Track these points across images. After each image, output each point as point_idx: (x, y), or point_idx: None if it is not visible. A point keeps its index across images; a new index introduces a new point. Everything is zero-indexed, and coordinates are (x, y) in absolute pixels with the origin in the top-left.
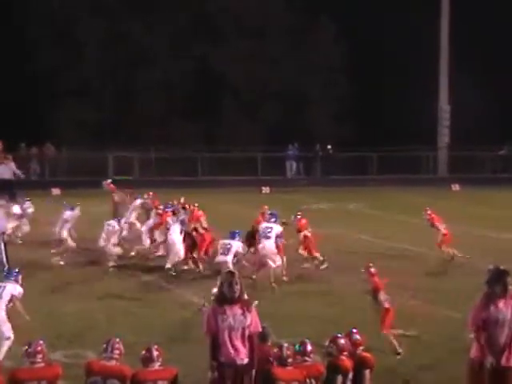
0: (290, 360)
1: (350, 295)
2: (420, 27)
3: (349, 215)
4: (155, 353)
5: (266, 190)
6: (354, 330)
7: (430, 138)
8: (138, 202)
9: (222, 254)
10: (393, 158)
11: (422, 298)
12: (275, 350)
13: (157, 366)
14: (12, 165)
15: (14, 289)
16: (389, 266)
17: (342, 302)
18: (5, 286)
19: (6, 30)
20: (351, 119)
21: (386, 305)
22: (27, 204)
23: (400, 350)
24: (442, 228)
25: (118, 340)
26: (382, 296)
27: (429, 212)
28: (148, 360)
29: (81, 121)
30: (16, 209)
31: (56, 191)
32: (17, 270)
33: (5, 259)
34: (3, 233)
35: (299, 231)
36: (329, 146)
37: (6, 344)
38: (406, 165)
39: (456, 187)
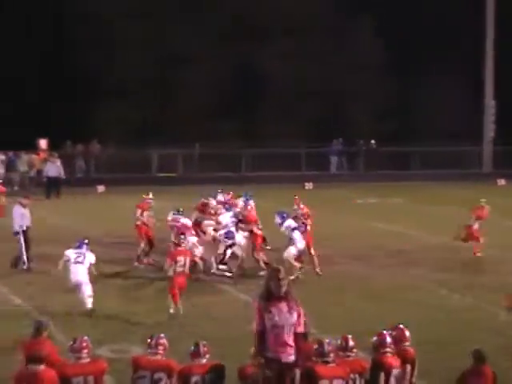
0: (331, 356)
1: (392, 290)
2: (462, 22)
3: (393, 210)
4: (203, 348)
5: (309, 185)
6: (401, 326)
7: (474, 133)
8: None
9: None
10: (436, 153)
11: None
12: (316, 347)
13: (204, 361)
14: (58, 163)
15: (91, 257)
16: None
17: (386, 297)
18: (84, 254)
19: (53, 31)
20: (394, 115)
21: None
22: None
23: None
24: (476, 224)
25: (162, 335)
26: None
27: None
28: (196, 355)
29: (125, 118)
30: None
31: (101, 188)
32: (86, 241)
33: (25, 256)
34: (24, 230)
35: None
36: (372, 141)
37: (90, 301)
38: (450, 160)
39: (502, 182)
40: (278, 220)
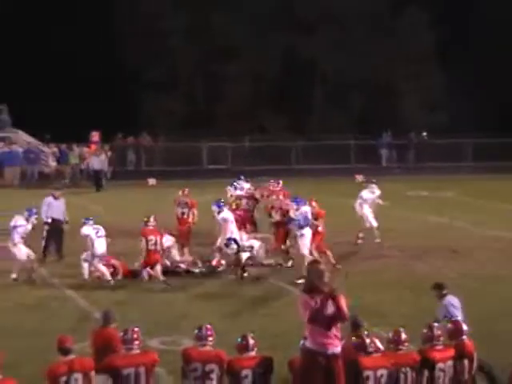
0: (372, 347)
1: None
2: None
3: (445, 203)
4: (251, 341)
5: (359, 178)
6: (458, 319)
7: None
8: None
9: None
10: (489, 145)
11: None
12: (356, 339)
13: (252, 354)
14: (103, 157)
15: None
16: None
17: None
18: (99, 228)
19: (104, 23)
20: (445, 106)
21: None
22: None
23: None
24: None
25: (210, 326)
26: None
27: None
28: (244, 348)
29: (175, 111)
30: None
31: (152, 181)
32: (91, 218)
33: (43, 246)
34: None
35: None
36: (424, 133)
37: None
38: (503, 152)
39: None
40: (215, 208)
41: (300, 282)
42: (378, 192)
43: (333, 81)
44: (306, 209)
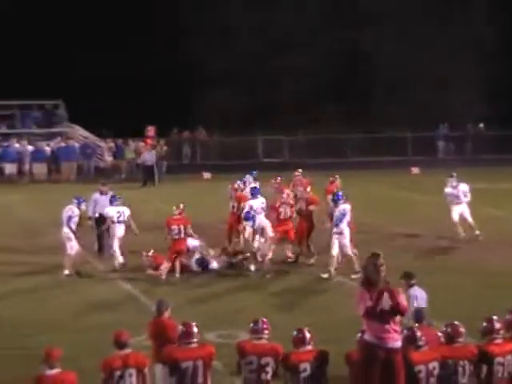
0: (423, 340)
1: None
2: None
3: (502, 195)
4: (308, 335)
5: (415, 170)
6: None
7: None
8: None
9: None
10: None
11: None
12: (407, 332)
13: (309, 348)
14: (153, 153)
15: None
16: None
17: (497, 282)
18: (123, 212)
19: (160, 19)
20: (503, 97)
21: None
22: None
23: None
24: None
25: (265, 320)
26: None
27: None
28: (301, 341)
29: (230, 105)
30: None
31: (207, 175)
32: (119, 197)
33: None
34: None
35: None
36: (481, 125)
37: None
38: None
39: None
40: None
41: (355, 276)
42: (460, 186)
43: (390, 73)
44: (345, 206)
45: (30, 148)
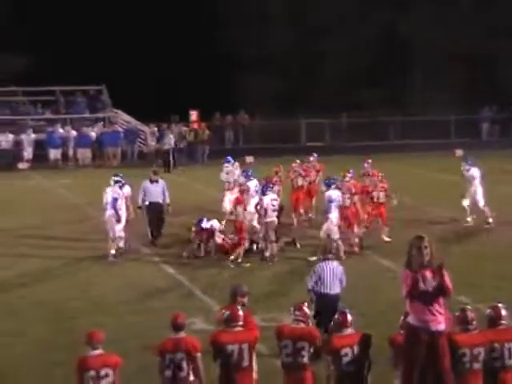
0: (474, 324)
1: None
2: None
3: None
4: (349, 317)
5: (459, 152)
6: None
7: None
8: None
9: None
10: None
11: None
12: (459, 313)
13: (350, 331)
14: (171, 137)
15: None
16: None
17: None
18: (119, 195)
19: (201, 7)
20: None
21: None
22: None
23: None
24: None
25: (304, 303)
26: None
27: None
28: (341, 325)
29: (272, 89)
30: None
31: (249, 159)
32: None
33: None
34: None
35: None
36: None
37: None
38: None
39: None
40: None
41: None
42: (471, 171)
43: (432, 55)
44: (331, 193)
45: (74, 133)
